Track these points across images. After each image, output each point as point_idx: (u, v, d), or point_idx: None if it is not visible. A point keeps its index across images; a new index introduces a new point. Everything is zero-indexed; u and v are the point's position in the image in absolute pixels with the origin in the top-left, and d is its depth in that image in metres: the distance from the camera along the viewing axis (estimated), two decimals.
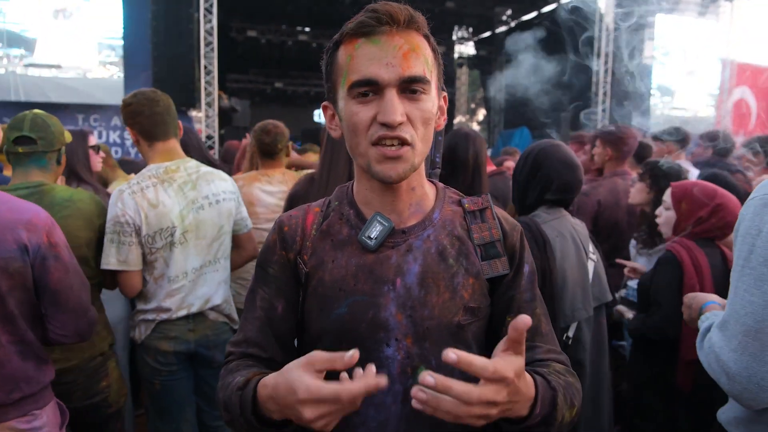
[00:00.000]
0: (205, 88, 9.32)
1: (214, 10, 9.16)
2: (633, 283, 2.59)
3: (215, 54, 9.27)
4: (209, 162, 3.05)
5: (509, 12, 14.62)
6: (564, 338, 1.91)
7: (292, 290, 1.08)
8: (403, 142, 0.93)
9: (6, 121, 2.05)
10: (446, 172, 2.27)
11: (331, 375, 0.79)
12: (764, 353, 1.16)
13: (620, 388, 2.60)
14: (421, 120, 0.95)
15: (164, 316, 2.18)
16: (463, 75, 18.11)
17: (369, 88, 0.94)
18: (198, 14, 8.96)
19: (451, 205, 1.10)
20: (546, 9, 12.83)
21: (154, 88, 2.32)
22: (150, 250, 2.13)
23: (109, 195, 2.50)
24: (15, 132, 1.96)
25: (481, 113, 19.57)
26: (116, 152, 8.13)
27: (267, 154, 2.96)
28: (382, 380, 0.77)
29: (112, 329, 2.20)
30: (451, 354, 0.74)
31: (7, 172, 2.64)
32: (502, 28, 14.98)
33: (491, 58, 15.49)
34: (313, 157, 4.28)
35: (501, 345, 0.81)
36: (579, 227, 2.08)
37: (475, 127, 19.24)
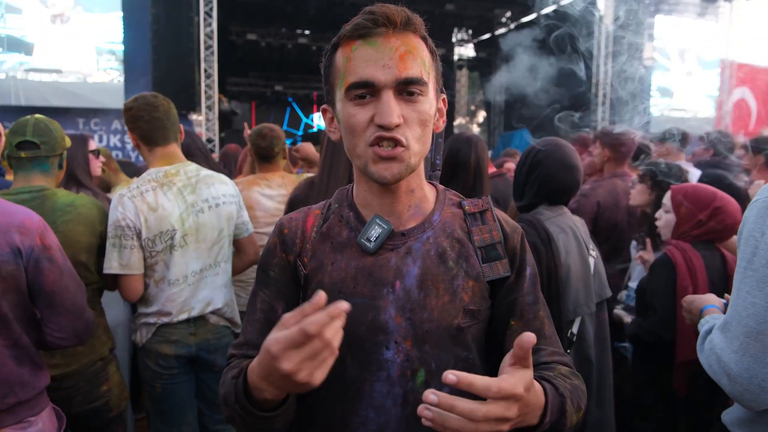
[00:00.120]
0: (206, 92, 9.34)
1: (214, 13, 9.18)
2: (633, 284, 2.58)
3: (215, 57, 9.30)
4: (213, 166, 3.06)
5: (509, 14, 14.63)
6: (569, 335, 1.91)
7: (293, 292, 1.08)
8: (398, 143, 0.93)
9: (7, 126, 2.06)
10: (448, 176, 2.27)
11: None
12: (766, 355, 1.16)
13: (621, 389, 2.59)
14: (417, 121, 0.95)
15: (165, 319, 2.18)
16: (462, 77, 18.13)
17: (366, 90, 0.93)
18: (198, 18, 8.98)
19: (452, 207, 1.09)
20: (545, 11, 12.84)
21: (156, 93, 2.33)
22: (150, 254, 2.13)
23: (109, 200, 2.51)
24: (18, 137, 1.96)
25: (481, 115, 19.58)
26: (117, 156, 8.15)
27: (264, 157, 2.96)
28: (344, 305, 0.75)
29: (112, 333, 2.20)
30: (451, 375, 0.73)
31: (9, 177, 2.64)
32: (502, 30, 14.99)
33: (491, 60, 15.51)
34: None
35: (507, 359, 0.81)
36: (579, 224, 2.10)
37: (475, 129, 19.25)
